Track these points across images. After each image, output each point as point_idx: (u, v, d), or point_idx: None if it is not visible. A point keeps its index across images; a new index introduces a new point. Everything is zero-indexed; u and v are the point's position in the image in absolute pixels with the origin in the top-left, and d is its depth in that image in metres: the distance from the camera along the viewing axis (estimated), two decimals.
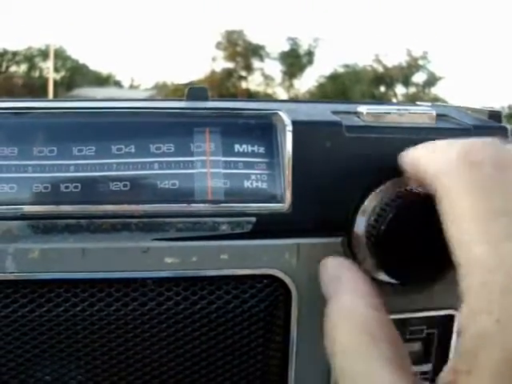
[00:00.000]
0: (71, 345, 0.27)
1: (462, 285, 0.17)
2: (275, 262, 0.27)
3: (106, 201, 0.26)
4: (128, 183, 0.27)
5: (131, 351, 0.27)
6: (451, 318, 0.30)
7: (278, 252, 0.27)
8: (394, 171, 0.27)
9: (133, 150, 0.27)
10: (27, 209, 0.26)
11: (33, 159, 0.27)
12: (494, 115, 0.31)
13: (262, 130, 0.28)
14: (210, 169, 0.27)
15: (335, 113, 0.29)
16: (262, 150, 0.28)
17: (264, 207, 0.26)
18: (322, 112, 0.29)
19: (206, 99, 0.32)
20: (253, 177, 0.27)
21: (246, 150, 0.28)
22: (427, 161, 0.22)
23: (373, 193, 0.27)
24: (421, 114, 0.29)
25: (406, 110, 0.30)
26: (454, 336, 0.30)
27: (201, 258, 0.26)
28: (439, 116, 0.30)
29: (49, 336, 0.27)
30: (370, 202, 0.27)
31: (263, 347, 0.28)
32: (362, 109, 0.29)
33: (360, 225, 0.27)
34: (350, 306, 0.22)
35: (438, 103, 0.37)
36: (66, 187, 0.27)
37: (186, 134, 0.28)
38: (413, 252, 0.26)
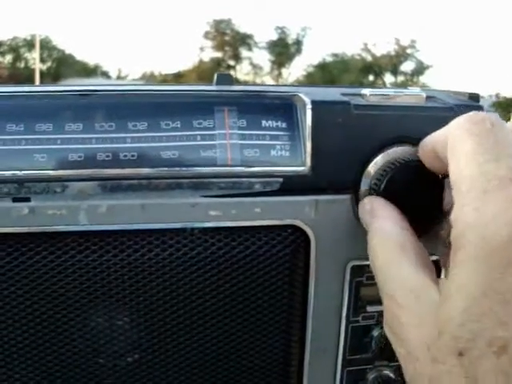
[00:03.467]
0: (128, 288, 0.33)
1: (454, 193, 0.23)
2: (298, 214, 0.33)
3: (160, 165, 0.32)
4: (176, 152, 0.33)
5: (181, 289, 0.33)
6: (438, 263, 0.36)
7: (300, 206, 0.33)
8: (392, 141, 0.33)
9: (179, 125, 0.33)
10: (96, 172, 0.32)
11: (95, 133, 0.33)
12: (473, 96, 0.38)
13: (285, 108, 0.34)
14: (242, 140, 0.33)
15: (344, 94, 0.35)
16: (284, 125, 0.34)
17: (289, 170, 0.33)
18: (333, 94, 0.35)
19: (231, 84, 0.38)
20: (278, 147, 0.33)
21: (271, 125, 0.34)
22: (441, 132, 0.28)
23: (375, 159, 0.34)
24: (413, 95, 0.36)
25: (402, 92, 0.36)
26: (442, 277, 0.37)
27: (238, 211, 0.32)
28: (428, 97, 0.37)
29: (114, 279, 0.33)
30: (373, 166, 0.34)
31: (288, 284, 0.34)
32: (366, 91, 0.35)
33: (364, 185, 0.34)
34: (384, 228, 0.28)
35: (427, 88, 0.43)
36: (125, 156, 0.33)
37: (222, 112, 0.34)
38: (407, 207, 0.32)
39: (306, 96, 0.33)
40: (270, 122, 0.34)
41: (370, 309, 0.36)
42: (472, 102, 0.37)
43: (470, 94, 0.38)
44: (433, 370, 0.22)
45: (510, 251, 0.20)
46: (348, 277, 0.35)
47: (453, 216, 0.23)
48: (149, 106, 0.34)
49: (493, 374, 0.20)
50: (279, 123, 0.34)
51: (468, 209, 0.22)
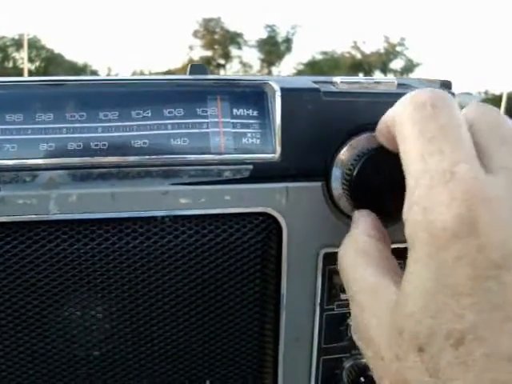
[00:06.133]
0: (99, 276, 0.33)
1: (406, 186, 0.24)
2: (268, 202, 0.33)
3: (131, 153, 0.32)
4: (147, 141, 0.32)
5: (152, 278, 0.33)
6: None
7: (270, 194, 0.33)
8: (363, 128, 0.34)
9: (149, 114, 0.33)
10: (67, 161, 0.32)
11: (66, 123, 0.33)
12: (445, 84, 0.38)
13: (256, 96, 0.34)
14: (213, 128, 0.33)
15: (315, 82, 0.35)
16: (255, 113, 0.34)
17: (259, 157, 0.33)
18: (304, 82, 0.35)
19: (205, 74, 0.38)
20: (249, 134, 0.33)
21: (242, 113, 0.34)
22: (389, 112, 0.29)
23: (346, 146, 0.34)
24: (384, 82, 0.36)
25: (372, 79, 0.36)
26: None
27: (208, 198, 0.32)
28: (400, 85, 0.37)
29: (85, 268, 0.33)
30: (344, 153, 0.34)
31: (260, 272, 0.34)
32: (337, 79, 0.35)
33: (336, 172, 0.34)
34: (353, 235, 0.29)
35: (402, 76, 0.43)
36: (96, 145, 0.32)
37: (192, 101, 0.34)
38: (379, 193, 0.32)
39: (277, 84, 0.33)
40: (241, 110, 0.34)
41: (344, 296, 0.36)
42: (444, 89, 0.37)
43: (441, 81, 0.38)
44: (397, 367, 0.23)
45: (456, 246, 0.21)
46: (321, 264, 0.35)
47: (404, 215, 0.24)
48: (120, 96, 0.33)
49: (453, 365, 0.21)
50: (250, 111, 0.34)
51: (416, 208, 0.23)
